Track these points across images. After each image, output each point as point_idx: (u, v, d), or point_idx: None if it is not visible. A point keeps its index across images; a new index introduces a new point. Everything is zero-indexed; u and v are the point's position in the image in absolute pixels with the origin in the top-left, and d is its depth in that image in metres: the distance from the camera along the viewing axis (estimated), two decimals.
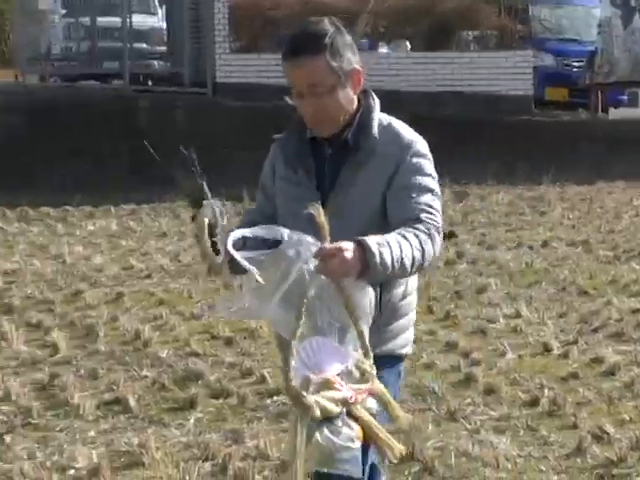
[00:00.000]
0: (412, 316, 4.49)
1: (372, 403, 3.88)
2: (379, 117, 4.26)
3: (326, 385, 3.74)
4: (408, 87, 23.04)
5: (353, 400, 3.76)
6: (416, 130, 4.34)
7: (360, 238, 3.75)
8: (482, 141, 21.25)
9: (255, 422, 7.52)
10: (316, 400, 3.68)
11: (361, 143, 4.19)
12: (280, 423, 7.40)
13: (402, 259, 3.82)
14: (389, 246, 3.78)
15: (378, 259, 3.72)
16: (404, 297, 4.37)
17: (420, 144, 4.24)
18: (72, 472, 6.61)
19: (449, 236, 13.38)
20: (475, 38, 26.87)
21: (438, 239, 4.03)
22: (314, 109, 4.14)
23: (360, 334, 3.85)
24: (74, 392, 7.91)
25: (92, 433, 7.32)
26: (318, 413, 3.68)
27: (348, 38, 4.19)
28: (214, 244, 3.97)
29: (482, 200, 18.51)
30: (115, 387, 8.17)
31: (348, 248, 3.67)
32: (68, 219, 16.80)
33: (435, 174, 4.23)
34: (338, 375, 3.79)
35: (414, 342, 4.67)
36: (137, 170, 18.65)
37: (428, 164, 4.22)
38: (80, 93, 23.16)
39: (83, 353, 9.23)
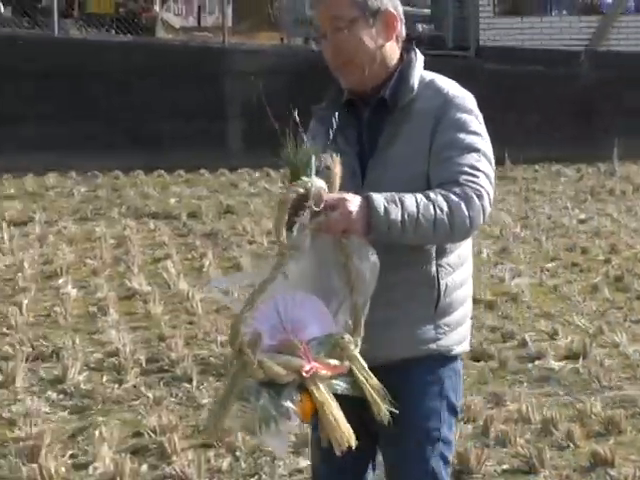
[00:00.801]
0: (469, 307, 3.97)
1: (340, 384, 3.48)
2: (422, 73, 3.83)
3: (287, 347, 3.43)
4: None
5: (310, 372, 3.40)
6: None
7: (368, 193, 3.46)
8: None
9: (516, 385, 7.59)
10: (262, 360, 3.38)
11: (398, 100, 3.76)
12: (541, 387, 7.49)
13: (418, 219, 3.42)
14: (401, 202, 3.43)
15: (382, 214, 3.39)
16: (461, 285, 3.87)
17: (466, 99, 3.79)
18: None
19: None
20: None
21: (477, 203, 3.54)
22: (333, 48, 3.77)
23: (354, 306, 3.50)
24: None
25: None
26: (261, 374, 3.39)
27: None
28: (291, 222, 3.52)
29: None
30: None
31: (352, 200, 3.40)
32: None
33: (484, 132, 3.76)
34: (312, 340, 3.47)
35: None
36: None
37: (474, 121, 3.75)
38: None
39: None
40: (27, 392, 7.57)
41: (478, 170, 3.59)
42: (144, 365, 8.08)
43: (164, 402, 7.31)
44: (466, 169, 3.57)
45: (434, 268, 3.71)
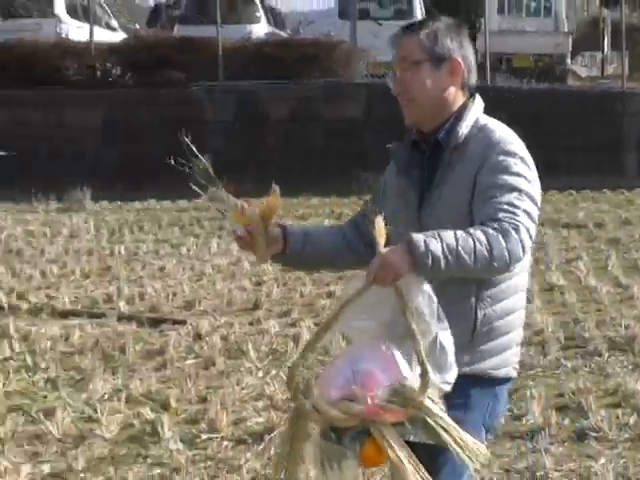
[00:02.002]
0: (515, 336, 3.49)
1: (410, 430, 3.02)
2: (477, 117, 3.43)
3: (353, 396, 3.03)
4: None
5: (365, 415, 3.00)
6: None
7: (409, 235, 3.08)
8: None
9: None
10: (318, 404, 3.05)
11: (450, 142, 3.38)
12: None
13: (457, 251, 3.03)
14: (439, 237, 3.05)
15: (423, 250, 3.01)
16: (504, 316, 3.41)
17: (511, 144, 3.35)
18: None
19: None
20: None
21: (515, 237, 3.11)
22: (399, 86, 3.44)
23: (418, 351, 3.02)
24: None
25: None
26: (317, 418, 3.08)
27: (457, 31, 3.46)
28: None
29: None
30: None
31: (390, 252, 3.04)
32: None
33: (529, 174, 3.31)
34: (379, 391, 3.03)
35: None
36: None
37: (518, 163, 3.30)
38: None
39: None
40: None
41: (517, 208, 3.17)
42: (563, 342, 8.20)
43: (579, 371, 7.41)
44: (505, 207, 3.17)
45: (473, 300, 3.32)
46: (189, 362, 7.90)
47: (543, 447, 5.85)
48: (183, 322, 9.15)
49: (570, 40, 25.35)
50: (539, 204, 3.32)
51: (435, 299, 3.07)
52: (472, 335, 3.32)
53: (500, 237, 3.09)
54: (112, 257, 12.59)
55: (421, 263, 3.02)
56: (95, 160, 18.80)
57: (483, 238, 3.07)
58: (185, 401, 6.89)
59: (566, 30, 25.52)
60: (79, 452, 5.92)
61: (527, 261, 3.39)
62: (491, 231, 3.09)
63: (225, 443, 6.18)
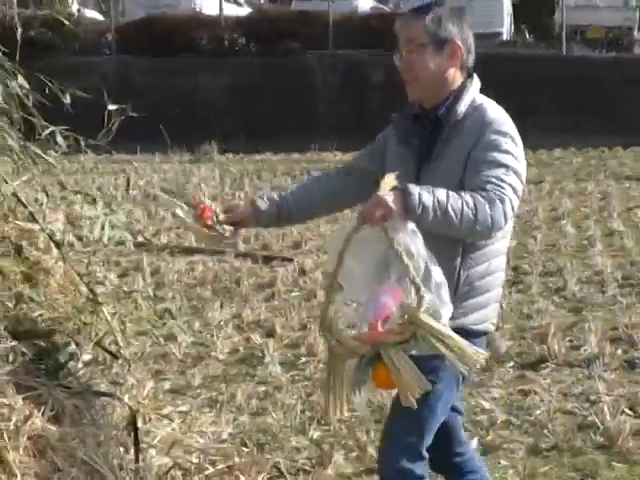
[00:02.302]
0: (493, 295, 3.36)
1: (411, 345, 2.88)
2: (474, 97, 3.29)
3: (372, 327, 2.89)
4: None
5: (371, 338, 2.89)
6: None
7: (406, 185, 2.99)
8: None
9: None
10: (341, 338, 2.98)
11: (449, 119, 3.25)
12: None
13: (446, 208, 2.94)
14: (433, 193, 2.95)
15: (416, 199, 2.91)
16: (484, 276, 3.29)
17: (504, 124, 3.22)
18: None
19: None
20: None
21: (500, 206, 3.00)
22: (405, 65, 3.31)
23: (413, 279, 2.85)
24: None
25: None
26: (341, 350, 2.98)
27: (461, 18, 3.33)
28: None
29: None
30: None
31: (385, 193, 2.93)
32: None
33: (516, 152, 3.18)
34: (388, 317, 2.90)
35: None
36: None
37: (509, 142, 3.18)
38: None
39: None
40: (539, 296, 7.71)
41: (504, 182, 3.06)
42: (619, 281, 8.08)
43: (633, 307, 7.27)
44: (493, 180, 3.05)
45: (458, 261, 3.21)
46: (294, 294, 7.93)
47: (597, 374, 5.75)
48: (290, 259, 9.20)
49: (637, 14, 24.75)
50: (524, 180, 3.20)
51: (420, 235, 2.92)
52: (455, 292, 3.16)
53: (486, 204, 2.98)
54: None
55: (412, 210, 2.92)
56: (222, 119, 18.93)
57: (471, 202, 2.97)
58: (289, 328, 6.91)
59: (634, 5, 25.00)
60: (196, 371, 5.98)
61: (509, 228, 3.29)
62: (480, 198, 2.99)
63: (321, 365, 6.17)
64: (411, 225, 2.92)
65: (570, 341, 6.47)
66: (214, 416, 5.18)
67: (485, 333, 3.36)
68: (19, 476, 3.27)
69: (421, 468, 3.30)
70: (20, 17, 4.18)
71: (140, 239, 9.69)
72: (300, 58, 19.60)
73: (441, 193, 2.96)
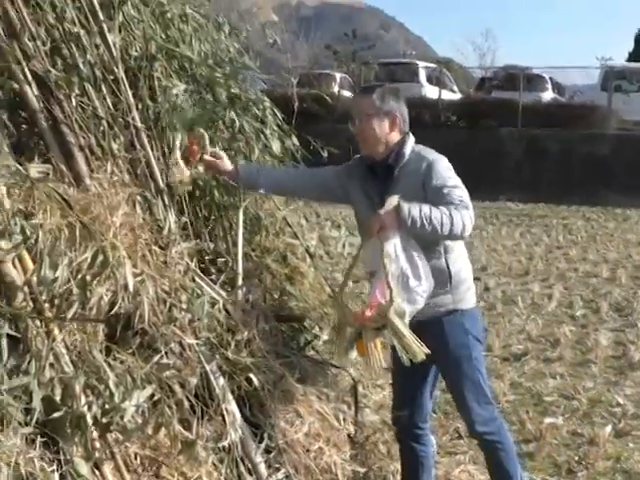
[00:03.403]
0: (471, 283, 3.29)
1: (384, 334, 2.84)
2: (413, 147, 3.19)
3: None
4: None
5: (358, 320, 2.88)
6: None
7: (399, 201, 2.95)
8: None
9: None
10: (346, 308, 2.98)
11: (397, 164, 3.16)
12: None
13: (431, 218, 2.91)
14: (419, 207, 2.92)
15: (406, 212, 2.89)
16: (463, 268, 3.23)
17: (442, 159, 3.14)
18: None
19: None
20: None
21: (467, 214, 2.95)
22: (357, 131, 3.20)
23: (387, 277, 2.82)
24: None
25: None
26: (345, 319, 2.98)
27: (399, 96, 3.21)
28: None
29: None
30: None
31: (383, 211, 2.93)
32: None
33: (456, 177, 3.09)
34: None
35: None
36: None
37: (452, 170, 3.10)
38: None
39: None
40: None
41: (462, 197, 3.00)
42: None
43: None
44: (456, 196, 3.00)
45: (443, 260, 3.17)
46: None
47: None
48: (477, 279, 8.92)
49: None
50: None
51: (399, 249, 2.92)
52: (450, 284, 3.17)
53: (458, 213, 2.95)
54: None
55: (404, 222, 2.91)
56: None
57: (447, 212, 2.95)
58: None
59: None
60: None
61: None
62: (451, 207, 2.97)
63: (495, 359, 5.97)
64: (397, 240, 2.92)
65: None
66: None
67: (473, 307, 3.29)
68: (273, 418, 3.31)
69: (494, 410, 3.32)
70: (297, 94, 4.27)
71: None
72: (496, 133, 19.34)
73: (425, 207, 2.94)
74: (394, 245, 2.92)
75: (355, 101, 3.36)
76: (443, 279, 3.14)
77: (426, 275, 2.98)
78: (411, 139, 3.25)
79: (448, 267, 3.18)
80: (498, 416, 3.34)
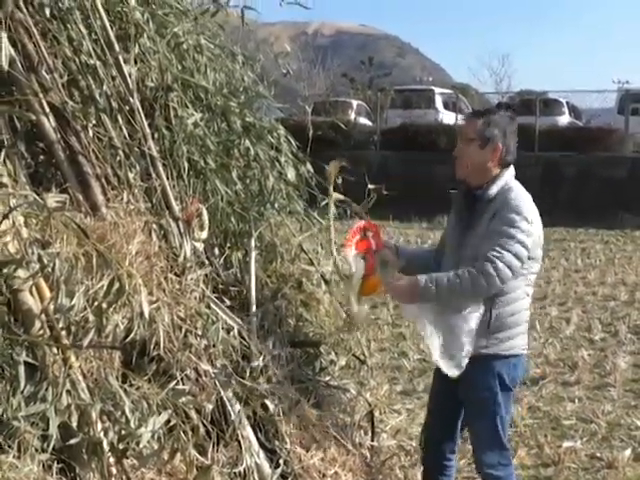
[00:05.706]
0: (520, 329, 3.13)
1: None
2: (506, 182, 3.08)
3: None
4: None
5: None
6: None
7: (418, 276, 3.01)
8: None
9: None
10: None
11: (483, 198, 3.06)
12: None
13: (448, 286, 2.93)
14: (436, 279, 2.95)
15: (422, 286, 2.96)
16: (512, 314, 3.08)
17: (520, 206, 3.00)
18: None
19: None
20: None
21: (492, 274, 2.89)
22: (457, 152, 3.12)
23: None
24: None
25: None
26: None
27: (507, 125, 3.11)
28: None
29: None
30: None
31: (402, 282, 3.04)
32: None
33: (526, 228, 2.96)
34: None
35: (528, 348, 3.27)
36: None
37: (522, 221, 2.97)
38: None
39: None
40: None
41: (504, 249, 2.91)
42: None
43: None
44: (497, 247, 2.92)
45: (489, 304, 3.02)
46: None
47: None
48: None
49: None
50: (530, 250, 3.01)
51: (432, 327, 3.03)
52: (488, 326, 3.05)
53: (481, 277, 2.91)
54: None
55: (421, 296, 2.98)
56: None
57: (466, 275, 2.92)
58: None
59: None
60: (420, 380, 5.84)
61: (532, 278, 3.13)
62: (473, 271, 2.92)
63: None
64: (428, 320, 3.02)
65: None
66: None
67: (516, 355, 3.17)
68: (289, 443, 3.29)
69: (509, 456, 3.24)
70: (313, 122, 4.30)
71: None
72: None
73: (441, 278, 2.96)
74: (425, 323, 3.03)
75: (462, 123, 3.37)
76: (482, 320, 3.04)
77: (469, 337, 3.03)
78: (508, 173, 3.14)
79: (490, 311, 3.06)
80: (511, 463, 3.24)
